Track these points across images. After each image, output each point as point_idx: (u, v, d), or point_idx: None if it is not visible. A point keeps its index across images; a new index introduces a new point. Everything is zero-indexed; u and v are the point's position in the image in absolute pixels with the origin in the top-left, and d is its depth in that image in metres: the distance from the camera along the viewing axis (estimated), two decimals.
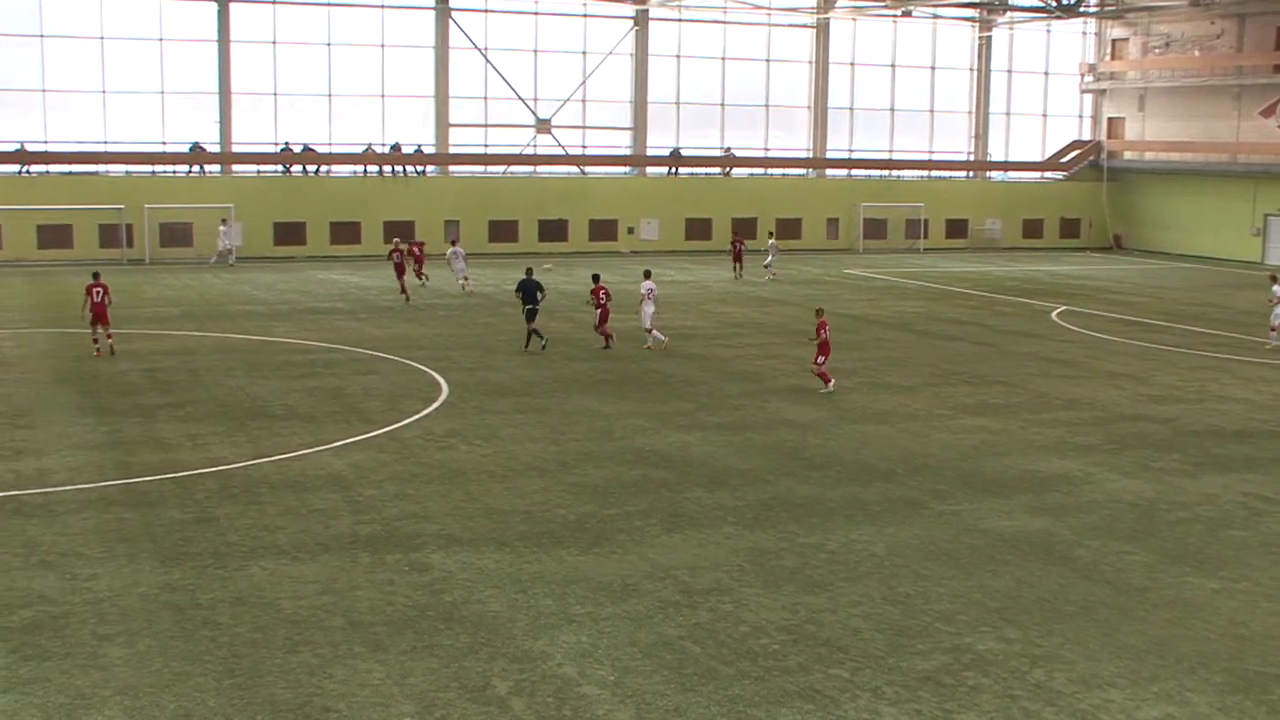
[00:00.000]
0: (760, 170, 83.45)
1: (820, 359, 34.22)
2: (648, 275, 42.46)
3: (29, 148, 68.36)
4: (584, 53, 78.63)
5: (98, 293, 37.81)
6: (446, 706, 14.98)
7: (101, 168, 69.91)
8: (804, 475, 25.72)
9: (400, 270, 53.69)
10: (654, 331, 40.95)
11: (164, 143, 71.50)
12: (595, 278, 41.71)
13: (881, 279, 65.53)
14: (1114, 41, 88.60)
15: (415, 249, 58.44)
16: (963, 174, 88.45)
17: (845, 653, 16.76)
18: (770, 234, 68.48)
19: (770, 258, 64.03)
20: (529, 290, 40.42)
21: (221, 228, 66.88)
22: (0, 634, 16.78)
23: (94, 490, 23.77)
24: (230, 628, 17.16)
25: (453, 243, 60.52)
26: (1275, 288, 43.91)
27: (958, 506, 23.68)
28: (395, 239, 57.66)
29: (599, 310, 40.40)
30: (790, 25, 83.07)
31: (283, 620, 17.47)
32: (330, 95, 74.44)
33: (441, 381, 34.70)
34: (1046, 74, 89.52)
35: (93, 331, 38.25)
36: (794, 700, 15.31)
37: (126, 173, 70.10)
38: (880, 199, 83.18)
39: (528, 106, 78.19)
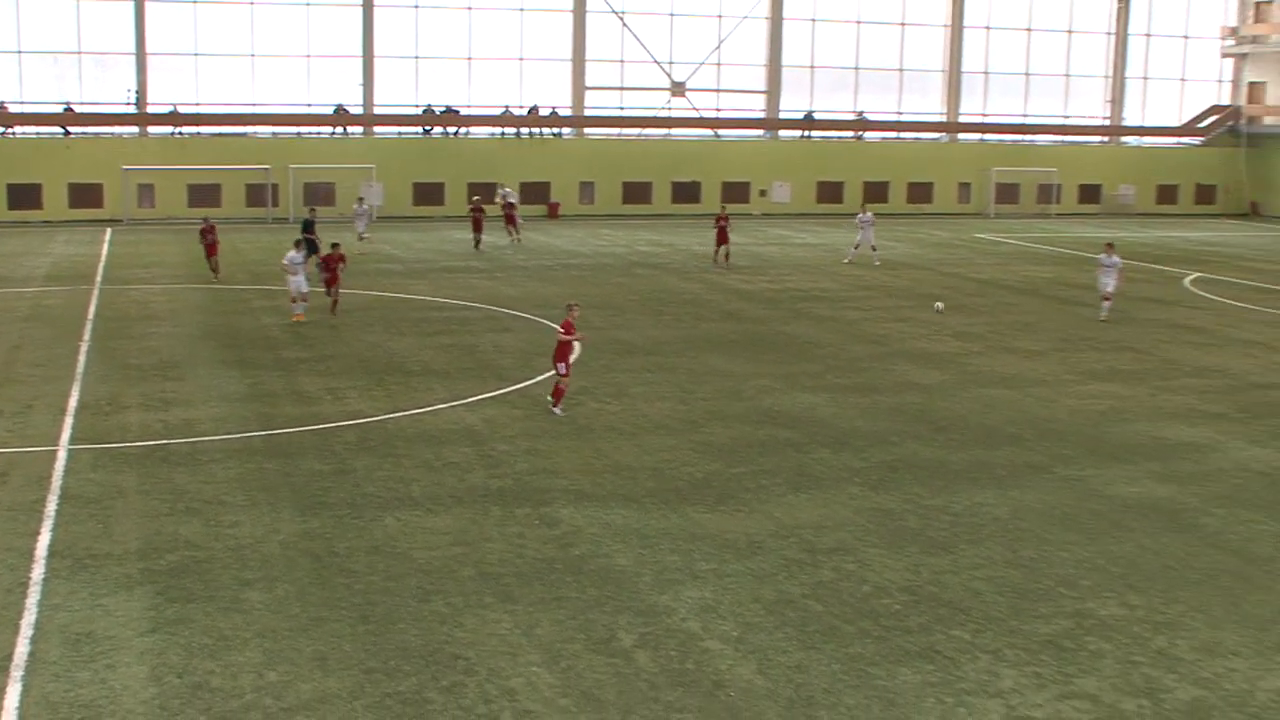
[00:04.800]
0: (892, 134, 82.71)
1: (561, 366, 26.86)
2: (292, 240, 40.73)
3: (181, 110, 69.67)
4: (719, 16, 78.39)
5: (209, 234, 45.71)
6: (572, 658, 15.13)
7: (249, 129, 71.09)
8: (929, 438, 25.56)
9: (478, 225, 56.40)
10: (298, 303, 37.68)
11: (309, 105, 72.49)
12: (334, 245, 40.10)
13: (1012, 244, 64.75)
14: (1257, 4, 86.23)
15: (509, 209, 59.87)
16: (1097, 139, 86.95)
17: (967, 614, 16.68)
18: (864, 207, 58.81)
19: (861, 234, 54.69)
20: (309, 227, 46.43)
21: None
22: (149, 576, 17.25)
23: (237, 440, 24.26)
24: (365, 576, 17.46)
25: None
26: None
27: (1083, 472, 23.40)
28: (475, 196, 59.48)
29: (327, 275, 38.77)
30: None
31: (415, 570, 17.74)
32: (470, 58, 74.93)
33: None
34: (1186, 37, 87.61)
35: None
36: (914, 660, 15.28)
37: (273, 134, 71.27)
38: (1012, 164, 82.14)
39: (663, 70, 78.15)
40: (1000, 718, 13.97)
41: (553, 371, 27.14)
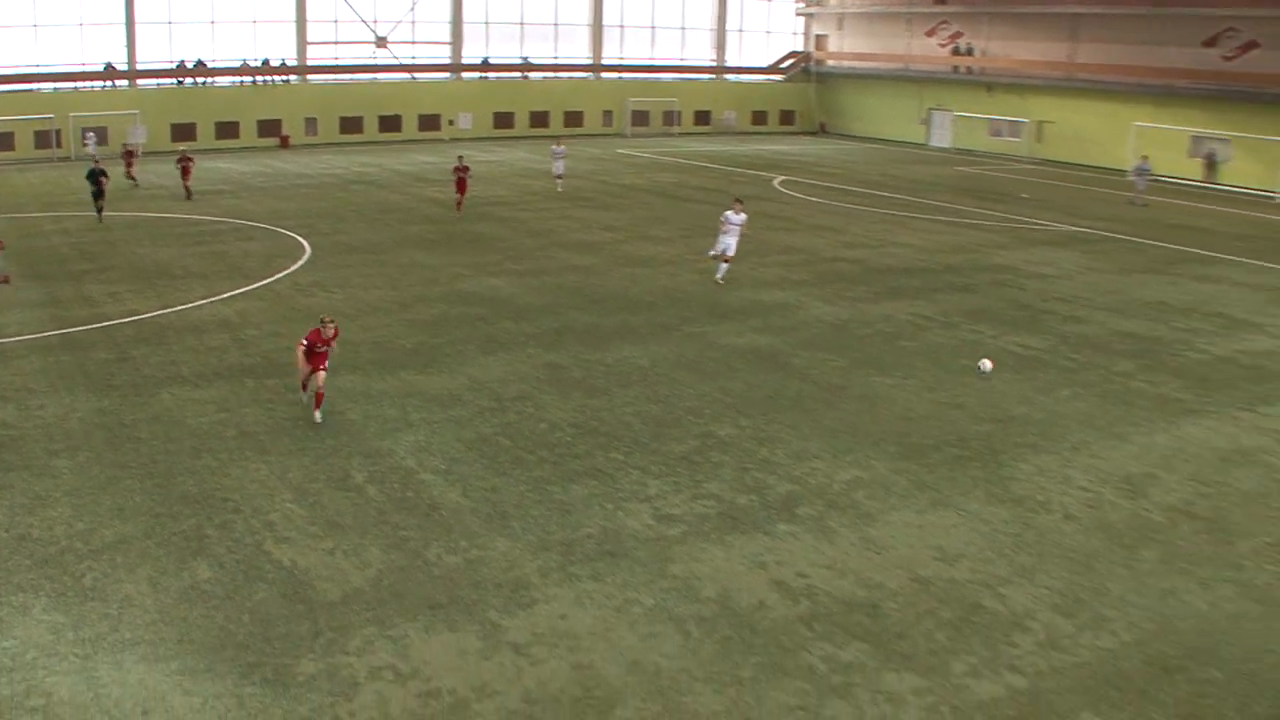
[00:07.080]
0: (551, 74, 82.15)
1: (311, 373, 18.02)
2: None
3: None
4: None
5: None
6: (317, 494, 14.94)
7: (35, 85, 66.27)
8: (587, 308, 25.85)
9: (185, 173, 45.23)
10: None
11: (83, 64, 67.91)
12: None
13: (645, 157, 65.36)
14: None
15: (185, 161, 46.91)
16: (706, 76, 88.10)
17: (620, 441, 17.05)
18: (559, 140, 54.61)
19: (556, 162, 48.84)
20: (93, 176, 38.30)
21: (89, 134, 63.04)
22: None
23: (38, 339, 22.87)
24: (149, 441, 16.82)
25: None
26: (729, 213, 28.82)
27: (703, 329, 24.06)
28: (182, 149, 52.60)
29: None
30: None
31: (189, 433, 17.16)
32: (213, 21, 71.12)
33: (305, 244, 33.89)
34: (769, 0, 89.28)
35: None
36: (582, 478, 15.58)
37: (54, 89, 66.54)
38: (644, 95, 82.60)
39: (369, 27, 75.63)
40: (649, 515, 14.39)
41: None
